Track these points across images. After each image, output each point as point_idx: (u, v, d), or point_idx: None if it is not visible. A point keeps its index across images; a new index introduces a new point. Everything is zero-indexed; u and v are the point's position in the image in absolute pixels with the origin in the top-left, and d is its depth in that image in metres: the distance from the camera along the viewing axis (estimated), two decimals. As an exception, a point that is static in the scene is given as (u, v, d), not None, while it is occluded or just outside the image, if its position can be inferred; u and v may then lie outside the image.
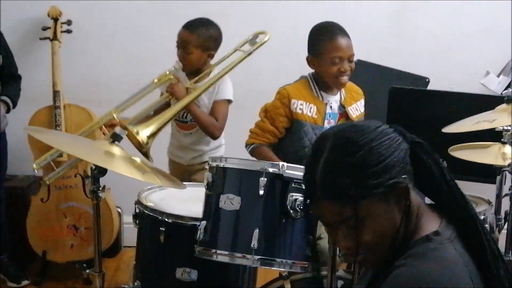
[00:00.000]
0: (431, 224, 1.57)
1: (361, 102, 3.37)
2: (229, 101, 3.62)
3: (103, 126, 3.52)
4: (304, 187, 1.63)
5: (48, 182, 3.53)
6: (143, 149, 3.06)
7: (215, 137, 3.58)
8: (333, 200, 1.52)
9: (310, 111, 3.19)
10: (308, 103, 3.19)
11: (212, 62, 3.67)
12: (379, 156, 1.51)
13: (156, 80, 3.54)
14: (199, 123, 3.53)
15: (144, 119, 3.36)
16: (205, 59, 3.59)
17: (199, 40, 3.53)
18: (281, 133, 3.25)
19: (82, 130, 3.54)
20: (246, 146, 3.32)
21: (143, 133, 3.05)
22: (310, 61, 3.24)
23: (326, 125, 3.22)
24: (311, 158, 1.58)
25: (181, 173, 3.64)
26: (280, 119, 3.22)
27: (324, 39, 3.19)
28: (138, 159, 2.63)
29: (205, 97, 3.58)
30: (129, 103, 3.48)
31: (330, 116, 3.25)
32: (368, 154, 1.51)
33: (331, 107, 3.25)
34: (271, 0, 4.50)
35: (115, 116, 3.41)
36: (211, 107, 3.59)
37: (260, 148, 3.27)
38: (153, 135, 3.09)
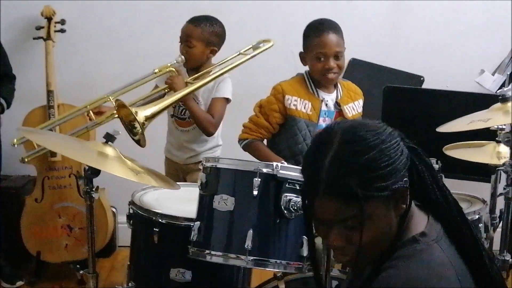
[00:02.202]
0: (418, 224, 1.58)
1: (359, 102, 3.35)
2: (227, 100, 3.61)
3: (90, 112, 3.53)
4: (304, 180, 1.59)
5: (26, 160, 3.56)
6: (137, 134, 3.02)
7: (209, 133, 3.57)
8: (339, 197, 1.49)
9: (304, 108, 3.19)
10: (302, 100, 3.19)
11: (214, 62, 3.67)
12: (388, 159, 1.50)
13: (156, 70, 3.54)
14: (195, 118, 3.52)
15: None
16: (207, 54, 3.59)
17: (203, 34, 3.53)
18: (275, 128, 3.26)
19: (73, 111, 3.59)
20: (239, 141, 3.33)
21: (142, 113, 3.03)
22: (301, 57, 3.25)
23: (321, 123, 3.22)
24: (315, 152, 1.55)
25: (176, 172, 3.66)
26: (274, 114, 3.23)
27: (310, 35, 3.20)
28: (130, 159, 2.62)
29: (204, 94, 3.58)
30: (125, 90, 3.48)
31: (325, 114, 3.24)
32: (379, 155, 1.49)
33: (326, 104, 3.24)
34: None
35: (111, 99, 3.42)
36: (209, 104, 3.58)
37: (254, 143, 3.28)
38: (151, 117, 3.06)
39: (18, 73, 4.15)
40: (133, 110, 3.00)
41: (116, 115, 3.15)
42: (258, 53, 3.59)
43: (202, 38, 3.54)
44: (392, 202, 1.53)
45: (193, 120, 3.56)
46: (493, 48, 4.41)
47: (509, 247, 2.85)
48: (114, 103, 3.23)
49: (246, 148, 3.30)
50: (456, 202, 1.64)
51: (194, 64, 3.60)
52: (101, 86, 4.35)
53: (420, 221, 1.59)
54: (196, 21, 3.56)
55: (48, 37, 4.21)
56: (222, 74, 3.50)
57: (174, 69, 3.54)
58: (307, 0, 4.43)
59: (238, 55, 3.62)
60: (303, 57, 3.24)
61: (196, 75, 3.57)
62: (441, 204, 1.61)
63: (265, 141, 3.33)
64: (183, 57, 3.54)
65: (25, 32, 4.39)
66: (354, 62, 4.44)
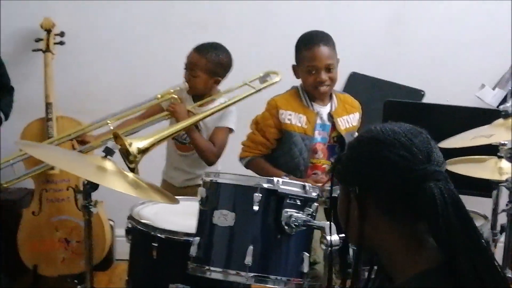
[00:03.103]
0: (431, 258, 1.51)
1: (355, 116, 3.33)
2: (231, 130, 3.56)
3: (74, 140, 3.50)
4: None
5: (5, 186, 3.60)
6: (131, 162, 3.00)
7: (210, 163, 3.52)
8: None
9: (299, 121, 3.17)
10: (297, 113, 3.17)
11: (220, 88, 3.64)
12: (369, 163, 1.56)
13: (159, 96, 3.51)
14: (196, 147, 3.48)
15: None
16: (211, 84, 3.54)
17: (208, 65, 3.48)
18: (272, 144, 3.25)
19: (70, 133, 3.54)
20: (240, 160, 3.32)
21: (136, 145, 3.00)
22: (294, 70, 3.24)
23: (317, 136, 3.20)
24: None
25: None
26: (270, 130, 3.22)
27: (301, 48, 3.19)
28: (130, 174, 2.60)
29: (208, 123, 3.53)
30: (125, 114, 3.45)
31: (321, 127, 3.22)
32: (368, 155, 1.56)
33: (321, 117, 3.22)
34: (267, 10, 4.49)
35: (109, 123, 3.38)
36: (212, 133, 3.54)
37: (255, 160, 3.28)
38: (145, 150, 3.03)
39: (17, 85, 4.12)
40: (128, 141, 2.97)
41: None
42: (265, 87, 3.54)
43: (206, 69, 3.48)
44: (352, 197, 1.55)
45: (194, 148, 3.52)
46: (494, 62, 4.41)
47: (511, 263, 2.83)
48: (111, 128, 3.22)
49: (248, 166, 3.30)
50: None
51: (197, 92, 3.56)
52: (100, 99, 4.36)
53: (433, 255, 1.52)
54: (203, 50, 3.51)
55: (47, 49, 4.20)
56: (227, 106, 3.46)
57: (176, 96, 3.50)
58: (307, 13, 4.43)
59: (244, 85, 3.56)
60: (296, 70, 3.23)
61: (200, 102, 3.52)
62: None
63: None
64: (187, 84, 3.51)
65: (24, 44, 4.38)
66: (354, 76, 4.44)
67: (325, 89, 3.16)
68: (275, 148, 3.26)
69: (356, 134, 3.30)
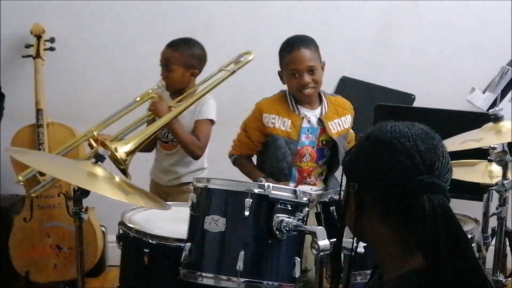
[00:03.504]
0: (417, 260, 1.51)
1: (347, 118, 3.32)
2: (212, 122, 3.57)
3: (91, 140, 3.48)
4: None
5: (33, 195, 3.50)
6: (121, 166, 3.01)
7: (196, 156, 3.53)
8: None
9: (283, 125, 3.18)
10: (281, 117, 3.19)
11: (197, 82, 3.64)
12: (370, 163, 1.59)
13: (138, 99, 3.51)
14: (181, 142, 3.49)
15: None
16: (188, 77, 3.55)
17: (181, 58, 3.50)
18: (257, 146, 3.29)
19: (62, 149, 3.48)
20: (229, 157, 3.39)
21: (122, 149, 3.00)
22: (280, 75, 3.26)
23: (304, 140, 3.21)
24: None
25: (159, 194, 3.54)
26: (254, 133, 3.26)
27: (283, 52, 3.21)
28: (120, 179, 2.60)
29: (187, 117, 3.54)
30: (110, 121, 3.44)
31: (308, 130, 3.22)
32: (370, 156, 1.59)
33: (309, 121, 3.22)
34: (256, 15, 4.50)
35: (95, 134, 3.37)
36: (193, 127, 3.55)
37: (239, 159, 3.36)
38: (132, 152, 3.04)
39: (7, 91, 4.11)
40: (113, 147, 2.97)
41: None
42: (240, 68, 3.54)
43: (181, 62, 3.50)
44: (351, 192, 1.57)
45: (178, 143, 3.53)
46: (484, 66, 4.42)
47: (501, 267, 2.84)
48: (93, 142, 3.21)
49: (234, 163, 3.38)
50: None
51: (175, 88, 3.57)
52: (91, 104, 4.36)
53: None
54: (175, 45, 3.54)
55: (37, 55, 4.19)
56: (206, 93, 3.46)
57: (155, 95, 3.52)
58: (297, 18, 4.43)
59: (220, 71, 3.58)
60: (281, 76, 3.24)
61: (179, 97, 3.52)
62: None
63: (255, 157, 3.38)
64: (164, 82, 3.53)
65: (14, 50, 4.36)
66: (344, 80, 4.45)
67: (309, 91, 3.16)
68: (263, 151, 3.28)
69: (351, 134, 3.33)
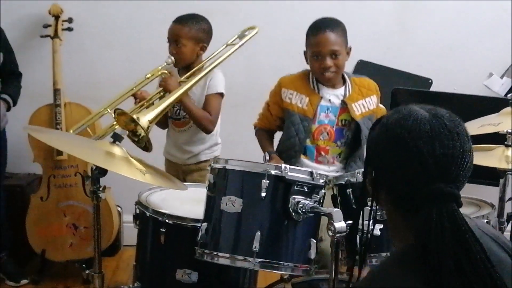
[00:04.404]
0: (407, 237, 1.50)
1: (372, 98, 3.29)
2: (221, 95, 3.59)
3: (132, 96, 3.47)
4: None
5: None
6: (142, 139, 3.00)
7: (208, 131, 3.56)
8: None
9: (300, 102, 3.19)
10: (299, 94, 3.20)
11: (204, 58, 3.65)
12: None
13: (148, 75, 3.51)
14: (192, 117, 3.51)
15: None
16: (197, 51, 3.57)
17: (191, 32, 3.52)
18: (275, 120, 3.33)
19: (78, 126, 3.48)
20: (254, 128, 3.46)
21: (144, 118, 3.01)
22: (305, 55, 3.26)
23: (323, 118, 3.21)
24: None
25: (177, 173, 3.58)
26: (273, 106, 3.31)
27: (309, 33, 3.21)
28: (137, 159, 2.61)
29: (197, 92, 3.56)
30: (121, 99, 3.44)
31: (328, 109, 3.22)
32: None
33: (330, 100, 3.22)
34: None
35: (109, 111, 3.38)
36: (204, 102, 3.57)
37: (259, 131, 3.43)
38: (153, 121, 3.05)
39: (25, 71, 4.14)
40: (135, 116, 2.97)
41: (116, 127, 3.11)
42: (245, 42, 3.58)
43: (190, 36, 3.52)
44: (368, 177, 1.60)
45: (190, 119, 3.54)
46: (502, 51, 4.39)
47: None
48: (112, 114, 3.18)
49: (256, 134, 3.44)
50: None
51: (185, 62, 3.58)
52: (108, 85, 4.37)
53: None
54: (183, 20, 3.56)
55: (55, 35, 4.21)
56: (214, 67, 3.48)
57: (166, 71, 3.52)
58: (316, 0, 4.42)
59: (226, 47, 3.60)
60: (306, 56, 3.24)
61: (188, 73, 3.54)
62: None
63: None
64: (172, 58, 3.52)
65: (33, 30, 4.39)
66: (362, 64, 4.43)
67: (330, 75, 3.15)
68: (283, 126, 3.31)
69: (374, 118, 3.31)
